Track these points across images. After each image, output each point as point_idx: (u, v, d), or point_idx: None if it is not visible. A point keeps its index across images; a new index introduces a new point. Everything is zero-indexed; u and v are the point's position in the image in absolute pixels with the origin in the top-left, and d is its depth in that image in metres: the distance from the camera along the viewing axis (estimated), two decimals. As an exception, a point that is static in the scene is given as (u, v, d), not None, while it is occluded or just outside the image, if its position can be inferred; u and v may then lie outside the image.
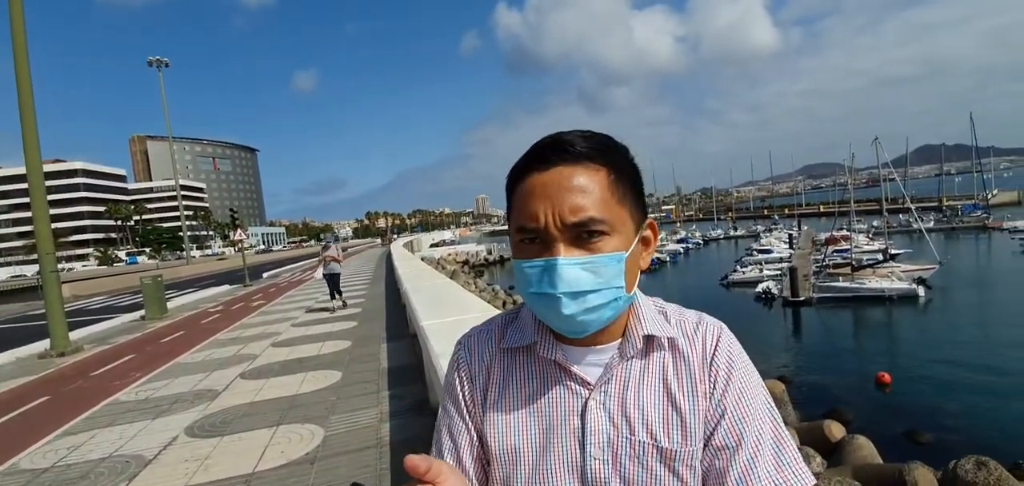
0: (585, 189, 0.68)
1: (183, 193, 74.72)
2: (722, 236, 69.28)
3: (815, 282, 26.79)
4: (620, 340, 0.76)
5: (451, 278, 13.47)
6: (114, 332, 12.28)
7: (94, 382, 7.44)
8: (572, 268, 0.67)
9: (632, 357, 0.76)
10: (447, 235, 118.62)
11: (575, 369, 0.76)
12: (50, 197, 10.72)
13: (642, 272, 0.77)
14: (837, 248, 33.35)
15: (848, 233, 35.87)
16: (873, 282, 25.07)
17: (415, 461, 0.57)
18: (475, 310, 5.52)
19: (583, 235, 0.68)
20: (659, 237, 0.80)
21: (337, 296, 12.08)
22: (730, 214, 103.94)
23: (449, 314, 5.26)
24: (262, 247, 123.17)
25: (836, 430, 8.77)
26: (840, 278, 26.52)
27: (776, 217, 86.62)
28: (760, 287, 27.62)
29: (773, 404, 0.75)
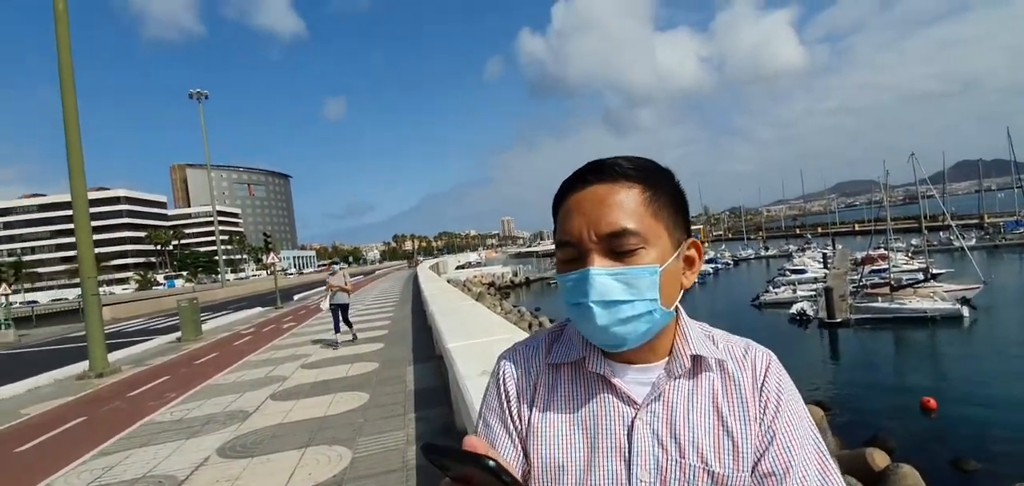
0: (620, 203, 0.70)
1: (219, 219, 76.96)
2: (752, 256, 67.95)
3: (852, 303, 26.00)
4: (667, 359, 0.76)
5: (477, 300, 13.49)
6: (151, 353, 12.62)
7: (130, 403, 7.64)
8: (604, 278, 0.69)
9: (680, 377, 0.75)
10: (473, 257, 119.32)
11: (621, 386, 0.75)
12: (94, 223, 11.14)
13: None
14: (874, 268, 32.37)
15: (886, 252, 34.80)
16: (914, 302, 24.13)
17: (475, 440, 0.56)
18: (501, 332, 5.50)
19: (617, 247, 0.70)
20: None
21: (342, 328, 10.69)
22: (760, 233, 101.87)
23: (475, 336, 5.26)
24: (293, 270, 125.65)
25: (879, 459, 8.41)
26: (879, 298, 25.62)
27: (809, 236, 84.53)
28: (795, 308, 26.88)
29: (818, 434, 0.73)
